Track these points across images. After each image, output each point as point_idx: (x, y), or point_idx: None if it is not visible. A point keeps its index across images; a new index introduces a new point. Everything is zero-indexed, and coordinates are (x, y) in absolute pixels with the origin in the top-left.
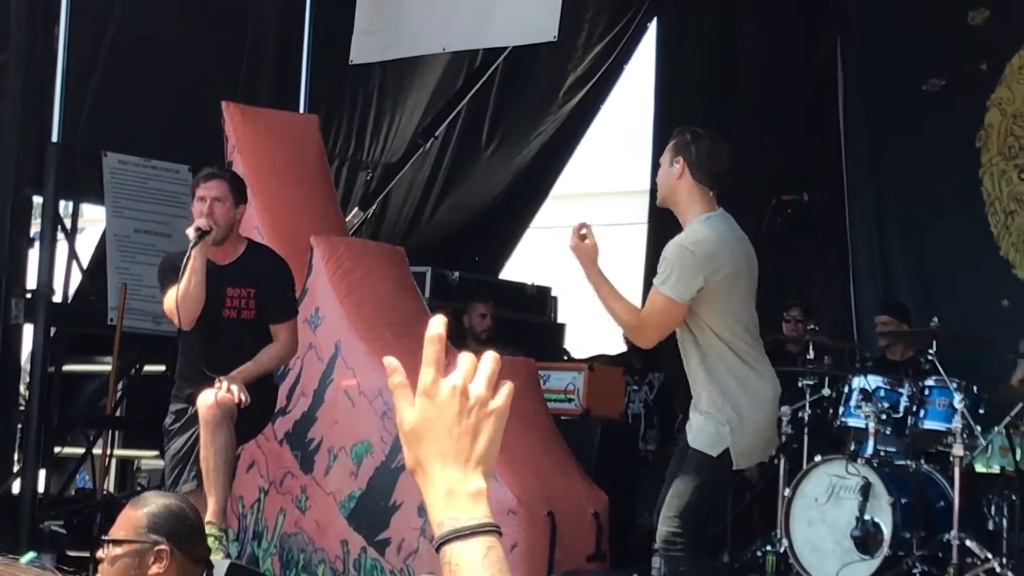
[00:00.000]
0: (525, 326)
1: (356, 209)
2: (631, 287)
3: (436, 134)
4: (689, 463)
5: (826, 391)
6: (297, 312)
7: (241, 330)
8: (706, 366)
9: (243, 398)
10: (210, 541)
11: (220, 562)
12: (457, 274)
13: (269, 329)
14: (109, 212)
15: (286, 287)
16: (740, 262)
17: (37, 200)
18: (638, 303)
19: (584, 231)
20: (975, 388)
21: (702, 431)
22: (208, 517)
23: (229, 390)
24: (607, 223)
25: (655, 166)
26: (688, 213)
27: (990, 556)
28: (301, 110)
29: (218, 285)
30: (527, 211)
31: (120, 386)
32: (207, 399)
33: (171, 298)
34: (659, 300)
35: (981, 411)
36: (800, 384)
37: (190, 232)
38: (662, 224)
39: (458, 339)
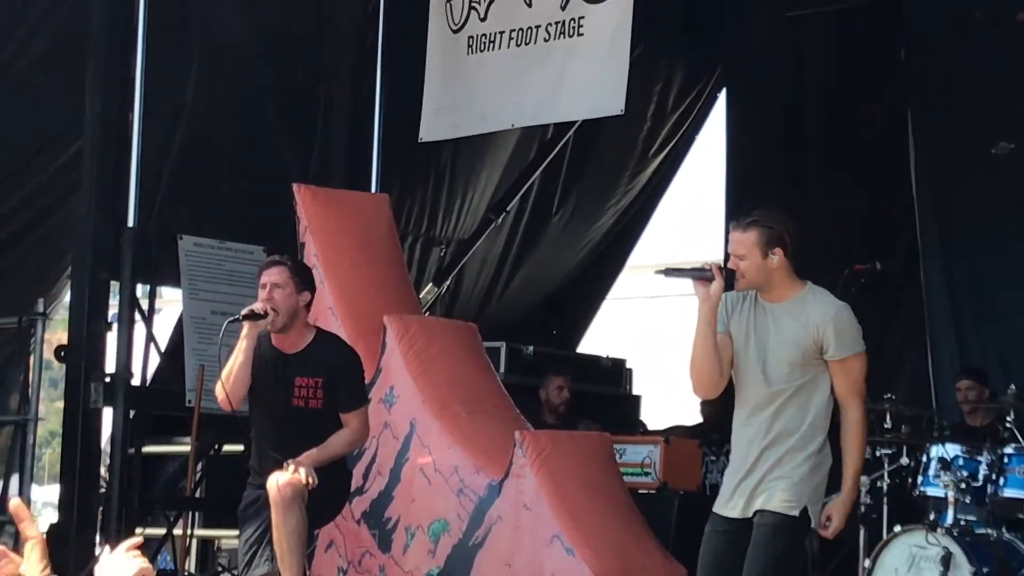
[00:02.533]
0: (600, 399)
1: (430, 285)
2: None
3: (508, 208)
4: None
5: (904, 460)
6: (367, 400)
7: (309, 419)
8: (813, 425)
9: (311, 480)
10: None
11: None
12: (532, 348)
13: (338, 417)
14: (185, 294)
15: (355, 376)
16: None
17: (115, 284)
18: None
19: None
20: None
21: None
22: None
23: (297, 471)
24: (682, 293)
25: (727, 235)
26: (786, 288)
27: None
28: (373, 189)
29: (286, 374)
30: (603, 283)
31: (199, 467)
32: (276, 481)
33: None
34: (859, 362)
35: None
36: (878, 453)
37: (243, 311)
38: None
39: (535, 413)
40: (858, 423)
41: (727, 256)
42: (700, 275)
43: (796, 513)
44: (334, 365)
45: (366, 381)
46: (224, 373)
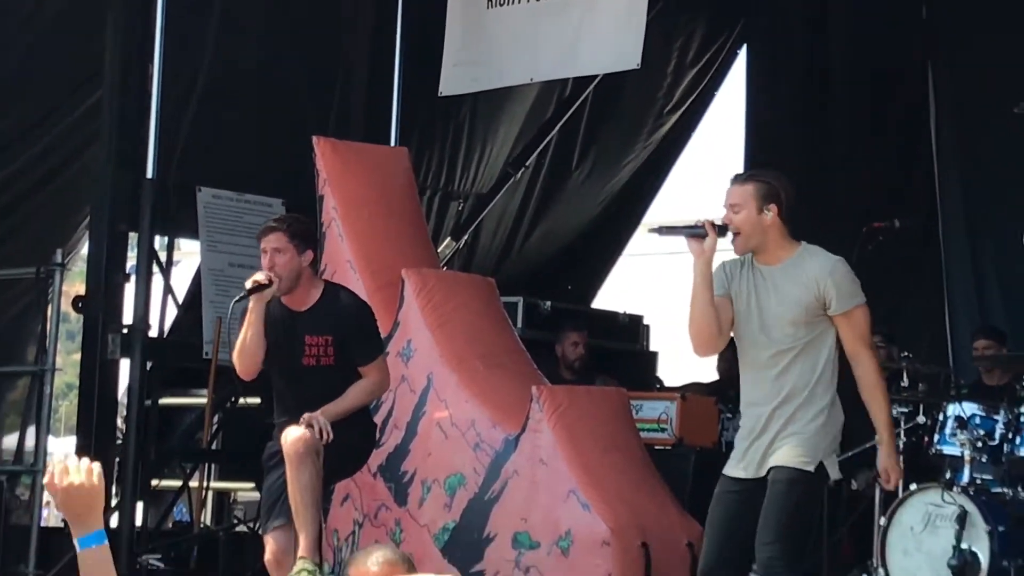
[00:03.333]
0: (617, 355)
1: (448, 239)
2: None
3: (527, 164)
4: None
5: (921, 419)
6: (382, 349)
7: (323, 376)
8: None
9: (326, 435)
10: (304, 575)
11: None
12: (549, 304)
13: (355, 370)
14: (204, 247)
15: (366, 328)
16: None
17: (133, 235)
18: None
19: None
20: None
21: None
22: (300, 552)
23: (310, 426)
24: None
25: None
26: (784, 247)
27: None
28: (392, 142)
29: (295, 333)
30: (619, 239)
31: (216, 419)
32: (290, 436)
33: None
34: (863, 313)
35: None
36: (895, 412)
37: (247, 284)
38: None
39: (552, 369)
40: (874, 371)
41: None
42: (693, 232)
43: (812, 468)
44: (343, 321)
45: (384, 335)
46: (237, 346)
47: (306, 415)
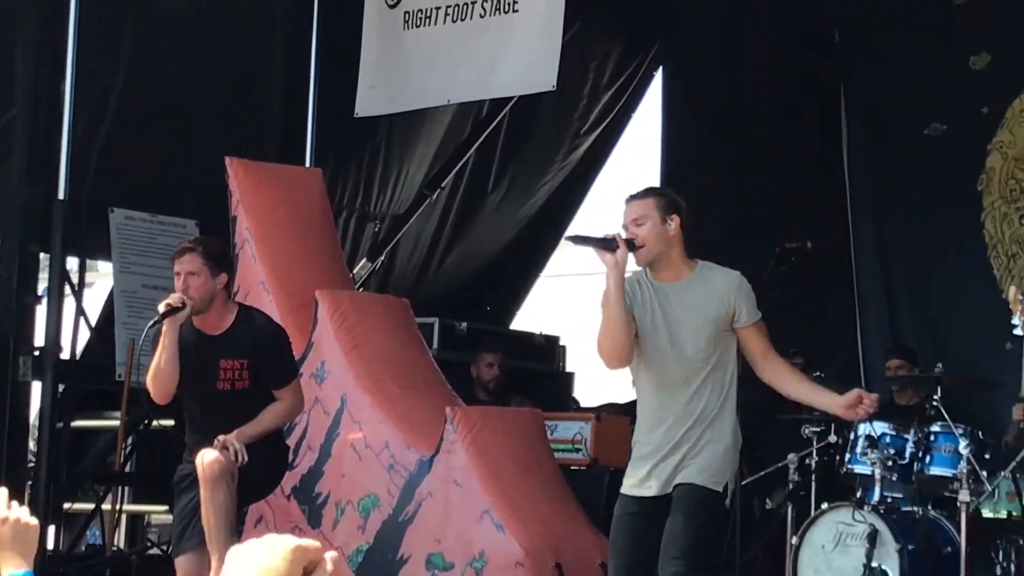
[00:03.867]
0: (534, 375)
1: (364, 260)
2: None
3: (443, 184)
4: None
5: (832, 438)
6: (296, 373)
7: (237, 400)
8: (727, 399)
9: (240, 457)
10: None
11: None
12: (465, 324)
13: (269, 393)
14: (116, 268)
15: (281, 352)
16: None
17: (45, 257)
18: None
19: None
20: (980, 433)
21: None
22: (213, 574)
23: (225, 448)
24: None
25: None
26: (683, 263)
27: None
28: (307, 163)
29: (210, 357)
30: (537, 260)
31: (129, 441)
32: (203, 458)
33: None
34: (763, 323)
35: (987, 456)
36: (806, 432)
37: (160, 307)
38: None
39: (467, 390)
40: (792, 366)
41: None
42: (604, 244)
43: (720, 488)
44: (258, 345)
45: (297, 356)
46: (151, 370)
47: (220, 437)
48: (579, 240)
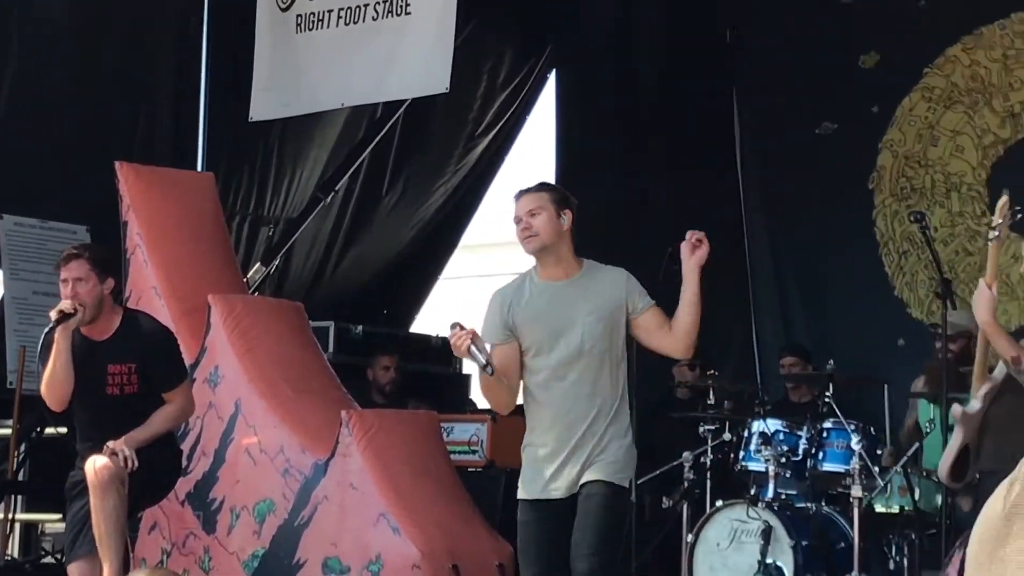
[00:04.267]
0: (430, 378)
1: (258, 265)
2: None
3: (337, 187)
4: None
5: (727, 436)
6: (186, 375)
7: (127, 405)
8: (623, 395)
9: (130, 462)
10: None
11: None
12: (361, 328)
13: (159, 397)
14: (6, 275)
15: (169, 355)
16: None
17: None
18: None
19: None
20: (872, 429)
21: (613, 462)
22: None
23: (114, 453)
24: (513, 272)
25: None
26: (572, 260)
27: None
28: (199, 168)
29: (97, 363)
30: (435, 262)
31: (21, 449)
32: (94, 464)
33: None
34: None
35: (879, 452)
36: (700, 430)
37: (52, 314)
38: None
39: (363, 393)
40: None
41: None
42: (481, 366)
43: (626, 484)
44: (145, 348)
45: (190, 361)
46: (46, 378)
47: (110, 443)
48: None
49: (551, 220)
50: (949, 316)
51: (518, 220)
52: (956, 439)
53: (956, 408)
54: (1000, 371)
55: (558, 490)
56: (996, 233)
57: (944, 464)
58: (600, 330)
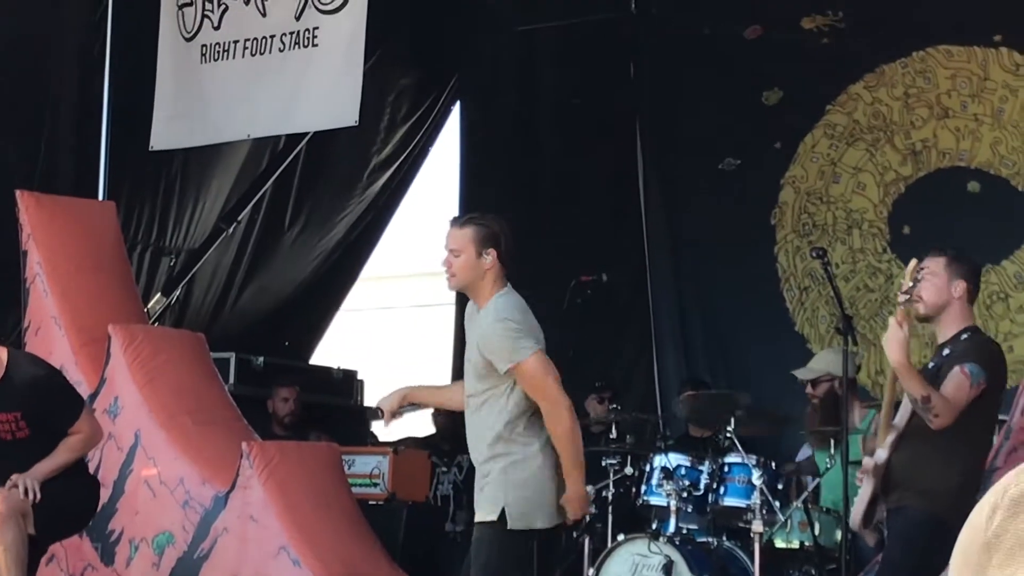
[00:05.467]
0: (332, 410)
1: (159, 295)
2: (440, 367)
3: (239, 218)
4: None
5: (629, 470)
6: (82, 404)
7: (21, 447)
8: (512, 427)
9: (31, 494)
10: None
11: None
12: (262, 359)
13: (57, 433)
14: None
15: (57, 394)
16: (537, 329)
17: None
18: (445, 382)
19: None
20: (773, 464)
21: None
22: None
23: (15, 486)
24: (415, 304)
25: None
26: (489, 293)
27: None
28: (101, 197)
29: None
30: (336, 294)
31: None
32: None
33: None
34: (532, 363)
35: (780, 487)
36: (603, 463)
37: None
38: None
39: (264, 425)
40: (553, 421)
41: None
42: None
43: (494, 518)
44: (28, 397)
45: (90, 391)
46: None
47: (13, 476)
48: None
49: (469, 261)
50: (813, 361)
51: (447, 250)
52: (866, 490)
53: (867, 461)
54: (901, 418)
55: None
56: (907, 296)
57: (856, 514)
58: (478, 366)
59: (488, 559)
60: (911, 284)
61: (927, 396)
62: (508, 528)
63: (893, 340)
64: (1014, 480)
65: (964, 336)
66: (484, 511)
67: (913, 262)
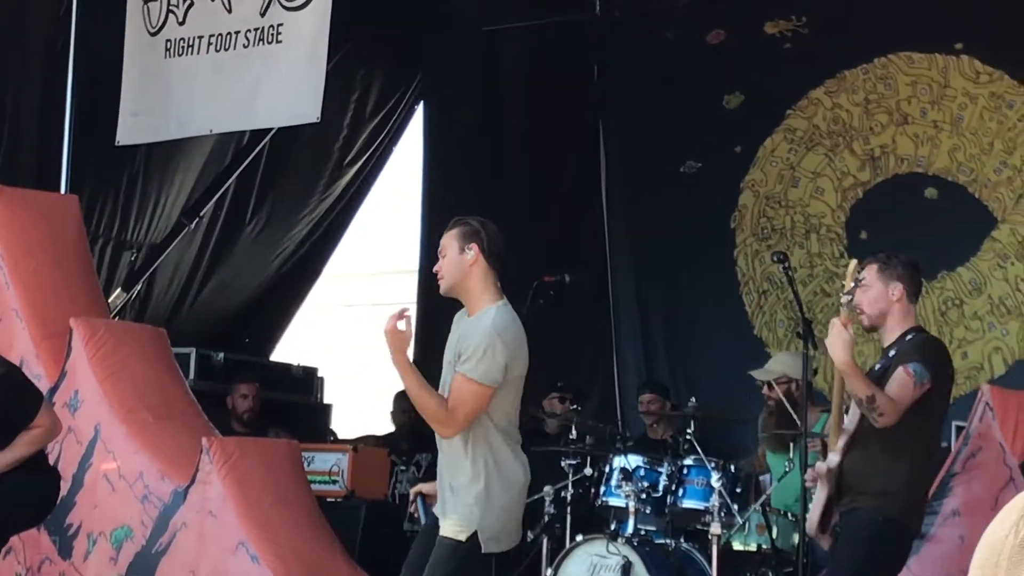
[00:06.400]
0: (291, 407)
1: (119, 290)
2: None
3: (201, 213)
4: (439, 551)
5: (588, 471)
6: (40, 399)
7: None
8: (469, 440)
9: None
10: None
11: None
12: (222, 355)
13: (15, 430)
14: None
15: (12, 398)
16: (521, 351)
17: None
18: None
19: (405, 316)
20: (732, 467)
21: (453, 513)
22: None
23: None
24: (377, 303)
25: (424, 246)
26: (482, 299)
27: None
28: (63, 190)
29: None
30: (298, 291)
31: None
32: None
33: None
34: (469, 387)
35: (738, 490)
36: (563, 464)
37: None
38: (431, 303)
39: (224, 421)
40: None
41: (423, 266)
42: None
43: (464, 538)
44: None
45: (51, 384)
46: None
47: None
48: None
49: (453, 259)
50: (770, 363)
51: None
52: (821, 495)
53: (820, 466)
54: (851, 421)
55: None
56: (849, 297)
57: (812, 519)
58: (450, 375)
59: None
60: (852, 285)
61: (872, 396)
62: (473, 548)
63: (838, 341)
64: None
65: (909, 336)
66: (453, 528)
67: (853, 262)
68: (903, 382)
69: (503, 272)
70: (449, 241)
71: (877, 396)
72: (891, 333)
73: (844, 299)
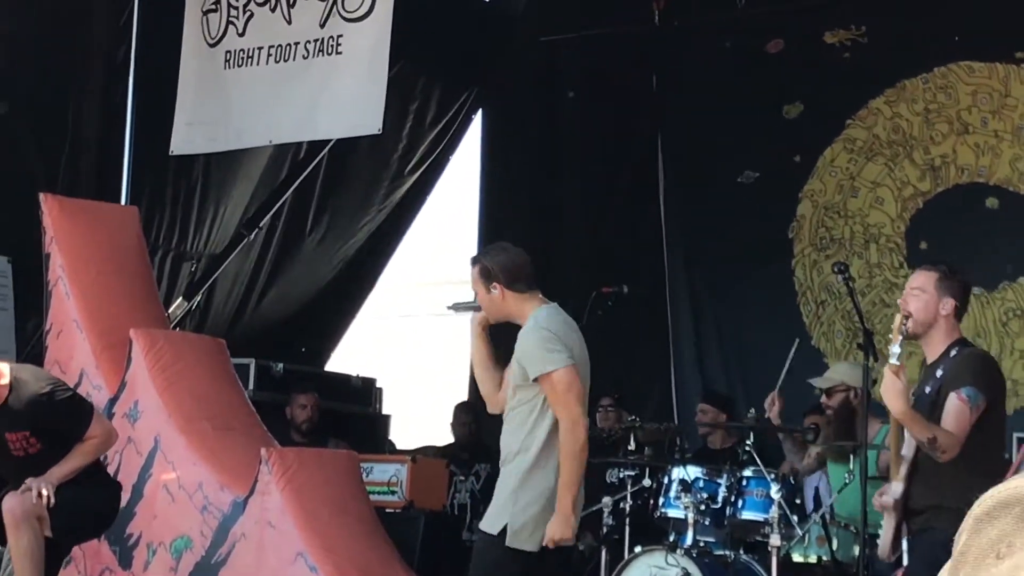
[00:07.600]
0: (350, 417)
1: (180, 300)
2: (458, 376)
3: (260, 225)
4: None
5: (646, 482)
6: (90, 411)
7: (37, 461)
8: (531, 442)
9: (46, 497)
10: None
11: None
12: (281, 366)
13: (70, 441)
14: None
15: (60, 411)
16: (577, 347)
17: None
18: (463, 391)
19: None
20: (792, 478)
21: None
22: None
23: (29, 490)
24: (435, 313)
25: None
26: (524, 312)
27: None
28: (123, 201)
29: None
30: (355, 301)
31: None
32: (6, 503)
33: None
34: (556, 376)
35: (798, 501)
36: (621, 475)
37: None
38: None
39: (283, 431)
40: (566, 438)
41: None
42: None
43: (495, 531)
44: (32, 415)
45: (111, 395)
46: None
47: (28, 480)
48: (460, 307)
49: (484, 299)
50: (829, 371)
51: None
52: (889, 524)
53: (887, 500)
54: (908, 448)
55: None
56: (898, 351)
57: (884, 546)
58: (517, 378)
59: (485, 571)
60: (900, 338)
61: (933, 438)
62: (506, 545)
63: (892, 390)
64: (979, 500)
65: (953, 352)
66: (486, 522)
67: (898, 317)
68: (959, 412)
69: (555, 278)
70: (475, 285)
71: (938, 437)
72: (936, 347)
73: (893, 351)
